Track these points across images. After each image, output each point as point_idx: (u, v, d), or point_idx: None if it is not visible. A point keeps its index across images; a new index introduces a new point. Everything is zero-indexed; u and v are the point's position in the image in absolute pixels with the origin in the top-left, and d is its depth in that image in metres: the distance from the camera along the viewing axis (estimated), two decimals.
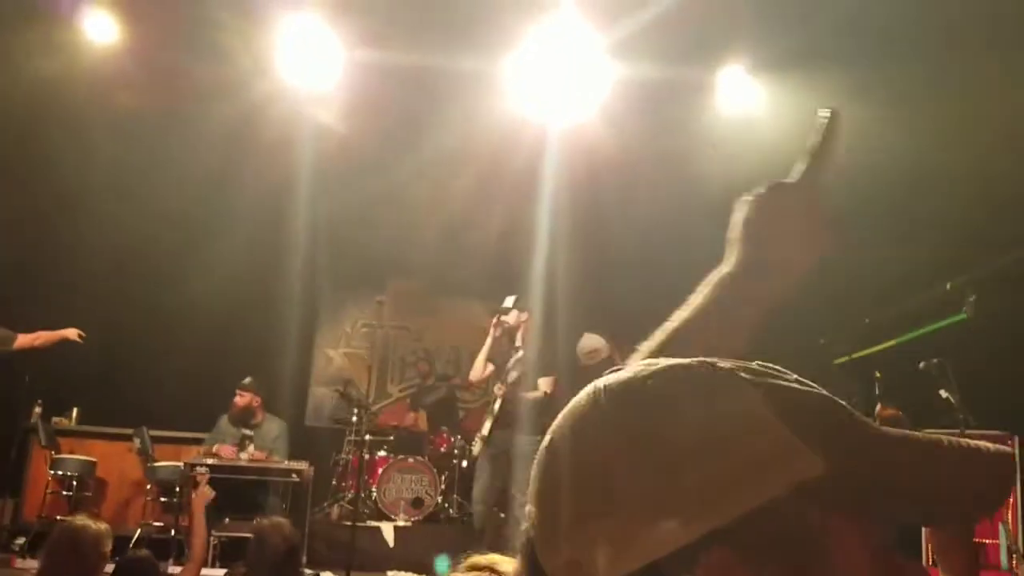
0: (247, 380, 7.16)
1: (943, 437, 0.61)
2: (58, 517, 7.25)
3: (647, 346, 0.90)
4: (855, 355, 6.25)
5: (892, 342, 6.69)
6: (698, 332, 0.88)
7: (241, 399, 7.03)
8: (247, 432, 6.92)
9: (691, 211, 9.38)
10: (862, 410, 0.81)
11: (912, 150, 6.46)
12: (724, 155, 7.53)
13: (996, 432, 5.87)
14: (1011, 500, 6.22)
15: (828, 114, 0.92)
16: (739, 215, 0.93)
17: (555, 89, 6.92)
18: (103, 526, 3.33)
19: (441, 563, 6.55)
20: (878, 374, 5.39)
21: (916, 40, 5.76)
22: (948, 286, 5.94)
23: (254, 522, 6.27)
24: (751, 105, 7.04)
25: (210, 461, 6.45)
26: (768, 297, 0.92)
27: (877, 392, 4.82)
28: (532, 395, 6.77)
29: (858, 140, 6.47)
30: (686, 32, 6.12)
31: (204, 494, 4.93)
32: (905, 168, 6.65)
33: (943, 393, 4.44)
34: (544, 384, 6.72)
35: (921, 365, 4.69)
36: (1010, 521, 6.05)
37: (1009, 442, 6.25)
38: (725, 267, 0.92)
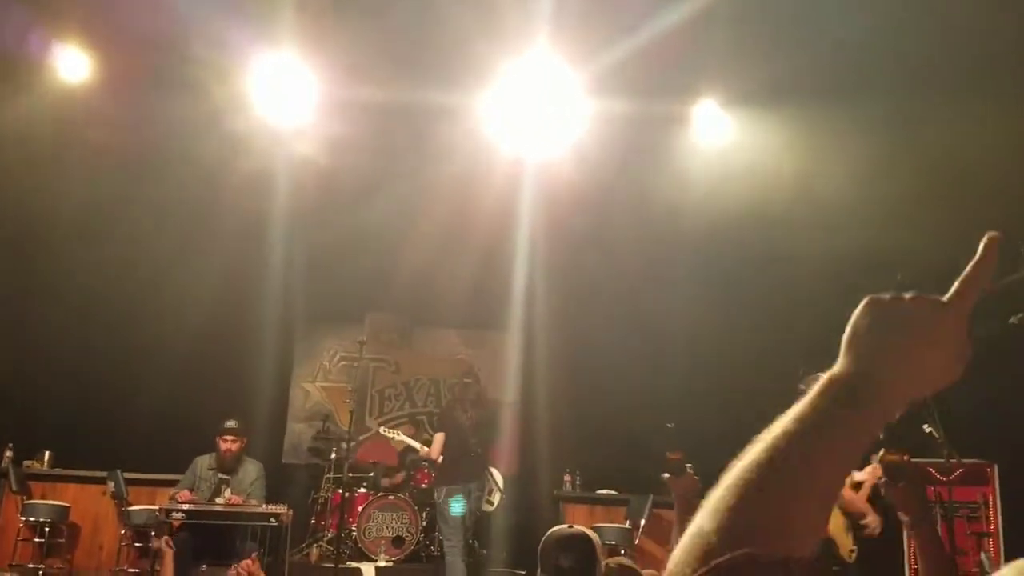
0: (233, 424, 6.87)
1: None
2: (30, 565, 7.08)
3: (739, 465, 0.74)
4: None
5: None
6: (800, 461, 0.73)
7: (234, 443, 6.79)
8: (223, 476, 6.77)
9: (667, 242, 9.45)
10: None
11: (876, 181, 6.56)
12: (701, 187, 7.59)
13: (976, 461, 5.91)
14: (992, 528, 6.26)
15: (990, 238, 0.81)
16: (859, 316, 0.80)
17: (532, 124, 6.95)
18: None
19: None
20: None
21: (882, 77, 5.86)
22: None
23: (232, 568, 6.16)
24: (725, 138, 7.10)
25: (186, 507, 6.31)
26: (877, 423, 0.78)
27: (880, 436, 4.71)
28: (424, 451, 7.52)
29: (834, 170, 6.56)
30: (660, 68, 6.17)
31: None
32: (869, 198, 6.74)
33: (927, 428, 4.45)
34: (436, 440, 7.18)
35: None
36: (991, 550, 6.08)
37: (988, 470, 6.30)
38: (832, 371, 0.77)
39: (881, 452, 4.98)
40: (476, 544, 8.49)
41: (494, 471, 7.71)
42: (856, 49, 5.92)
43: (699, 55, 6.12)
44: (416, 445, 7.86)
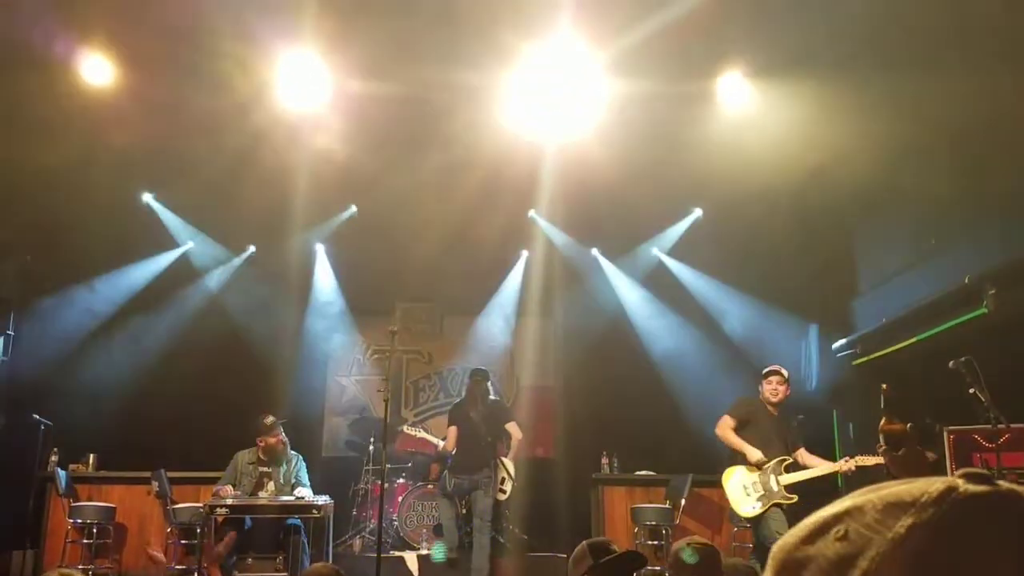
0: (273, 420, 6.92)
1: None
2: (79, 567, 7.19)
3: None
4: (874, 355, 6.17)
5: (911, 340, 6.61)
6: None
7: (279, 440, 6.84)
8: (264, 470, 6.82)
9: (693, 218, 9.35)
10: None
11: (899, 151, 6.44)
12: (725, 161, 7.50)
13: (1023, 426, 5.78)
14: None
15: None
16: None
17: (554, 106, 6.88)
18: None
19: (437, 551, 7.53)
20: (884, 386, 5.27)
21: (904, 48, 5.76)
22: (967, 280, 5.88)
23: (277, 560, 6.23)
24: (749, 109, 6.99)
25: (230, 501, 6.37)
26: None
27: (882, 405, 4.69)
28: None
29: (858, 141, 6.45)
30: (683, 43, 6.09)
31: None
32: (893, 167, 6.62)
33: (973, 391, 4.36)
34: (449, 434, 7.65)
35: (951, 364, 4.62)
36: None
37: None
38: None
39: (882, 421, 4.93)
40: (514, 528, 8.52)
41: (505, 461, 7.83)
42: (878, 20, 5.80)
43: (722, 27, 6.03)
44: (435, 440, 8.05)
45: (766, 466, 6.07)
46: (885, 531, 0.52)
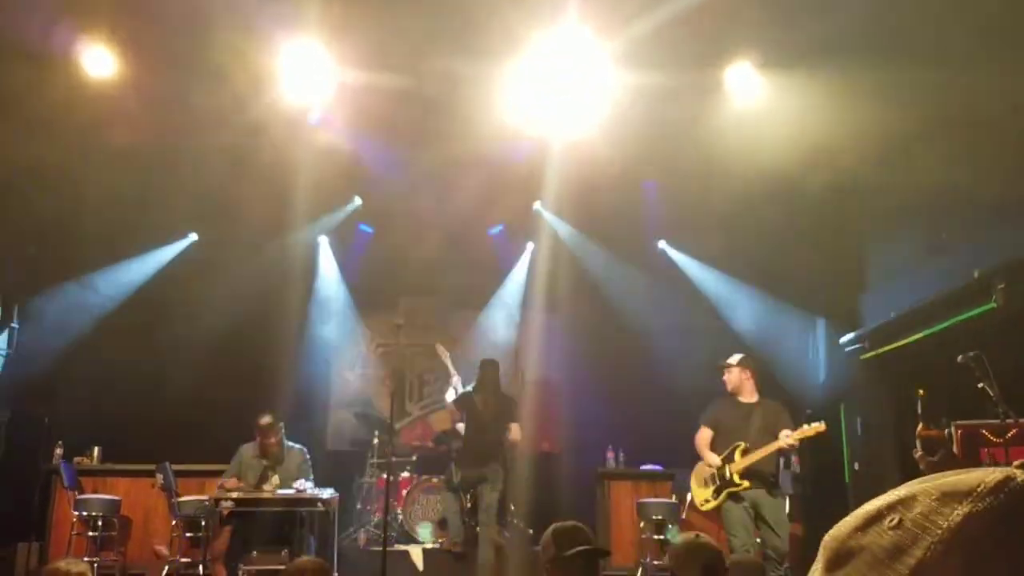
0: (268, 419, 6.89)
1: None
2: (84, 559, 7.19)
3: None
4: (882, 350, 6.11)
5: (919, 335, 6.56)
6: None
7: (274, 436, 6.83)
8: (269, 463, 6.82)
9: (700, 213, 9.30)
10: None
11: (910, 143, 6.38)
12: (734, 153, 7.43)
13: None
14: None
15: None
16: None
17: (561, 98, 6.83)
18: (82, 566, 3.31)
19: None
20: (921, 392, 5.24)
21: (917, 37, 5.70)
22: (976, 274, 5.83)
23: (281, 554, 6.22)
24: (761, 100, 6.92)
25: (235, 495, 6.37)
26: None
27: (919, 411, 4.70)
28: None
29: (867, 133, 6.38)
30: (693, 32, 6.03)
31: None
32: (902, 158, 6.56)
33: (982, 386, 4.32)
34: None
35: (959, 359, 4.58)
36: None
37: None
38: None
39: (919, 427, 4.89)
40: (519, 523, 8.50)
41: None
42: (892, 9, 5.74)
43: (733, 15, 5.97)
44: (454, 373, 7.95)
45: (722, 456, 6.11)
46: (941, 520, 0.51)
